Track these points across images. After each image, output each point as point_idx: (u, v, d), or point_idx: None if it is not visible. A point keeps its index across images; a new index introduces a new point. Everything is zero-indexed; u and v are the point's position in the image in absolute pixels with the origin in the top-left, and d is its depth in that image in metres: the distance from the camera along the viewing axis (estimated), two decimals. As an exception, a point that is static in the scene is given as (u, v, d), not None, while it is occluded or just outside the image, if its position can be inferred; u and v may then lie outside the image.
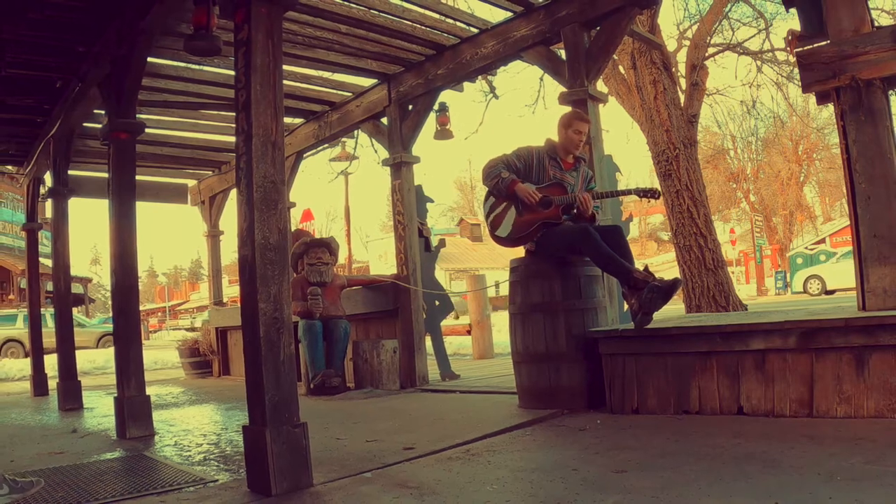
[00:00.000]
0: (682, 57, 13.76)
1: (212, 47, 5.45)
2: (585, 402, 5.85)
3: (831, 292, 30.33)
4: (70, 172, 9.02)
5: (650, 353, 5.48)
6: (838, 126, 4.97)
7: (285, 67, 6.10)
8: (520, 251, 6.40)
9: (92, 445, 5.84)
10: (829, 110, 5.82)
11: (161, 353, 20.08)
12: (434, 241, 9.85)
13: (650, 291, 5.42)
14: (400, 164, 8.99)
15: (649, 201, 6.32)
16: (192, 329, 30.66)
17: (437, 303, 9.54)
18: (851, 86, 4.78)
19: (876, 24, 5.08)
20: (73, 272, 9.71)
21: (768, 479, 3.34)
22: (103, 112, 7.39)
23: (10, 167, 14.04)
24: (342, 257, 21.06)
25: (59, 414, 8.29)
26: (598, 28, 6.86)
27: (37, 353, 11.02)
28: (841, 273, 30.54)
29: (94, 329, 27.90)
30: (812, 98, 5.44)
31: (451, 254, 49.80)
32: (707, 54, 13.40)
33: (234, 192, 4.89)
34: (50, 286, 12.73)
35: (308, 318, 8.71)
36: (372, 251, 58.82)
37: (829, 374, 4.62)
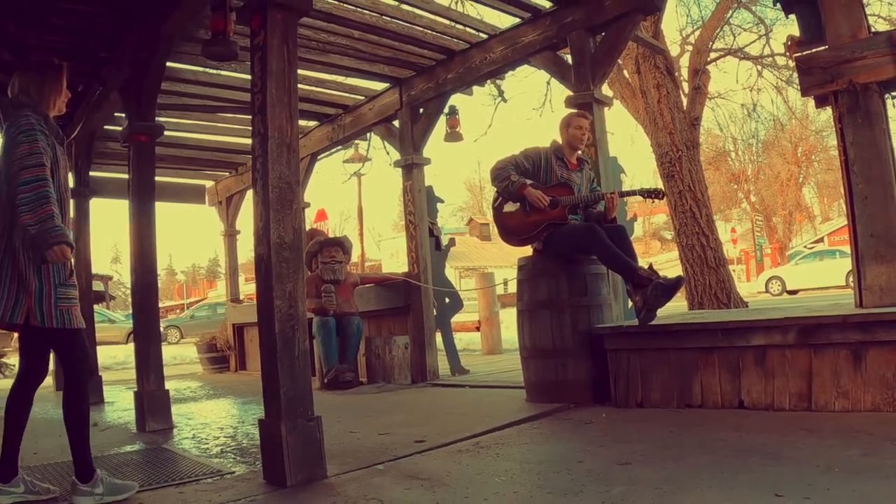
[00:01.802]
0: (684, 62, 13.73)
1: (229, 52, 5.47)
2: (591, 396, 5.85)
3: (793, 292, 30.78)
4: (91, 173, 9.08)
5: (654, 348, 5.49)
6: (836, 129, 4.96)
7: (300, 72, 6.12)
8: (528, 250, 6.40)
9: (112, 438, 5.87)
10: (827, 113, 5.82)
11: (179, 348, 20.14)
12: (444, 240, 9.85)
13: (654, 289, 5.43)
14: (411, 166, 9.00)
15: (653, 201, 6.31)
16: (210, 325, 30.71)
17: (447, 300, 9.54)
18: (849, 89, 4.78)
19: (873, 29, 5.08)
20: (94, 270, 9.73)
21: (768, 470, 3.34)
22: (124, 115, 7.42)
23: (33, 169, 14.07)
24: (355, 256, 21.11)
25: (82, 407, 8.30)
26: (603, 34, 6.86)
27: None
28: (800, 274, 31.36)
29: (123, 325, 28.00)
30: (811, 101, 5.44)
31: (460, 252, 49.60)
32: (709, 59, 13.35)
33: (250, 193, 4.91)
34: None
35: (322, 314, 8.73)
36: (384, 250, 58.73)
37: (827, 370, 4.62)
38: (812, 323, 4.72)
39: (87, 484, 3.67)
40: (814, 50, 5.02)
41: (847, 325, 4.55)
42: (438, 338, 9.25)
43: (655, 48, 10.71)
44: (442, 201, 9.90)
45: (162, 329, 8.10)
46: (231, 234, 13.75)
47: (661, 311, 5.63)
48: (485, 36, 7.97)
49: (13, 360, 11.25)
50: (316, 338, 8.61)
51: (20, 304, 3.64)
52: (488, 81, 10.13)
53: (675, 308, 10.09)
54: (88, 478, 3.69)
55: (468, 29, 7.98)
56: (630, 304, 5.90)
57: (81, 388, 3.80)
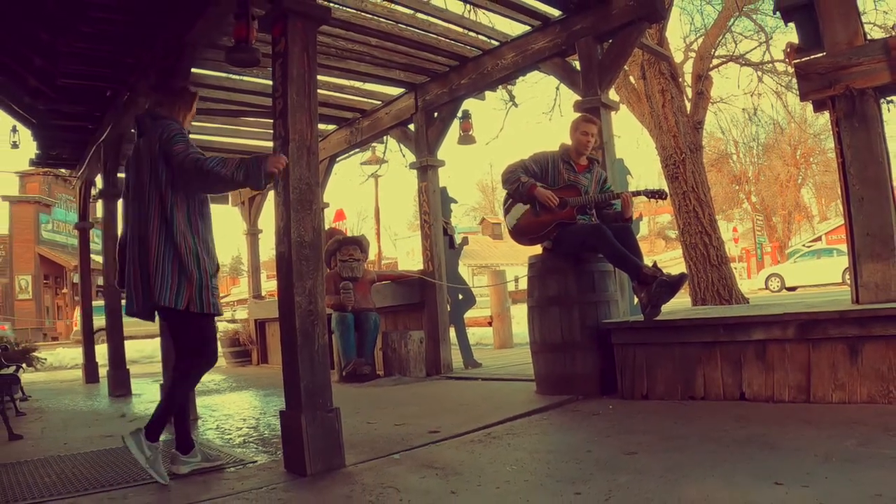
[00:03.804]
0: (688, 68, 13.71)
1: (251, 59, 5.48)
2: (598, 388, 5.85)
3: (792, 289, 30.78)
4: (119, 175, 9.08)
5: (659, 343, 5.48)
6: (834, 132, 4.95)
7: (319, 77, 6.13)
8: (538, 248, 6.40)
9: (141, 427, 5.89)
10: (825, 117, 5.81)
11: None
12: (458, 238, 9.84)
13: (658, 286, 5.43)
14: (426, 168, 9.02)
15: (657, 201, 6.30)
16: (233, 321, 30.76)
17: (460, 296, 9.54)
18: (846, 94, 4.77)
19: (868, 37, 5.06)
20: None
21: (769, 460, 3.34)
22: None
23: (63, 170, 14.17)
24: (372, 254, 21.12)
25: (109, 400, 8.37)
26: (610, 41, 6.85)
27: (88, 343, 11.11)
28: (799, 272, 31.42)
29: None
30: (809, 106, 5.42)
31: (473, 251, 49.53)
32: (711, 65, 13.31)
33: (271, 194, 4.91)
34: (101, 281, 12.84)
35: (340, 310, 8.75)
36: (400, 248, 58.80)
37: (825, 363, 4.61)
38: (810, 318, 4.71)
39: (187, 455, 3.99)
40: (812, 56, 5.00)
41: (844, 321, 4.55)
42: (452, 333, 9.27)
43: (660, 55, 10.70)
44: (455, 201, 9.90)
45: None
46: (253, 233, 13.81)
47: (665, 307, 5.64)
48: (496, 43, 7.97)
49: (44, 354, 11.27)
50: (335, 332, 8.63)
51: (182, 291, 3.88)
52: (500, 86, 10.12)
53: (679, 304, 10.07)
54: (188, 450, 4.00)
55: (480, 36, 7.99)
56: (636, 300, 5.90)
57: (197, 368, 4.09)
